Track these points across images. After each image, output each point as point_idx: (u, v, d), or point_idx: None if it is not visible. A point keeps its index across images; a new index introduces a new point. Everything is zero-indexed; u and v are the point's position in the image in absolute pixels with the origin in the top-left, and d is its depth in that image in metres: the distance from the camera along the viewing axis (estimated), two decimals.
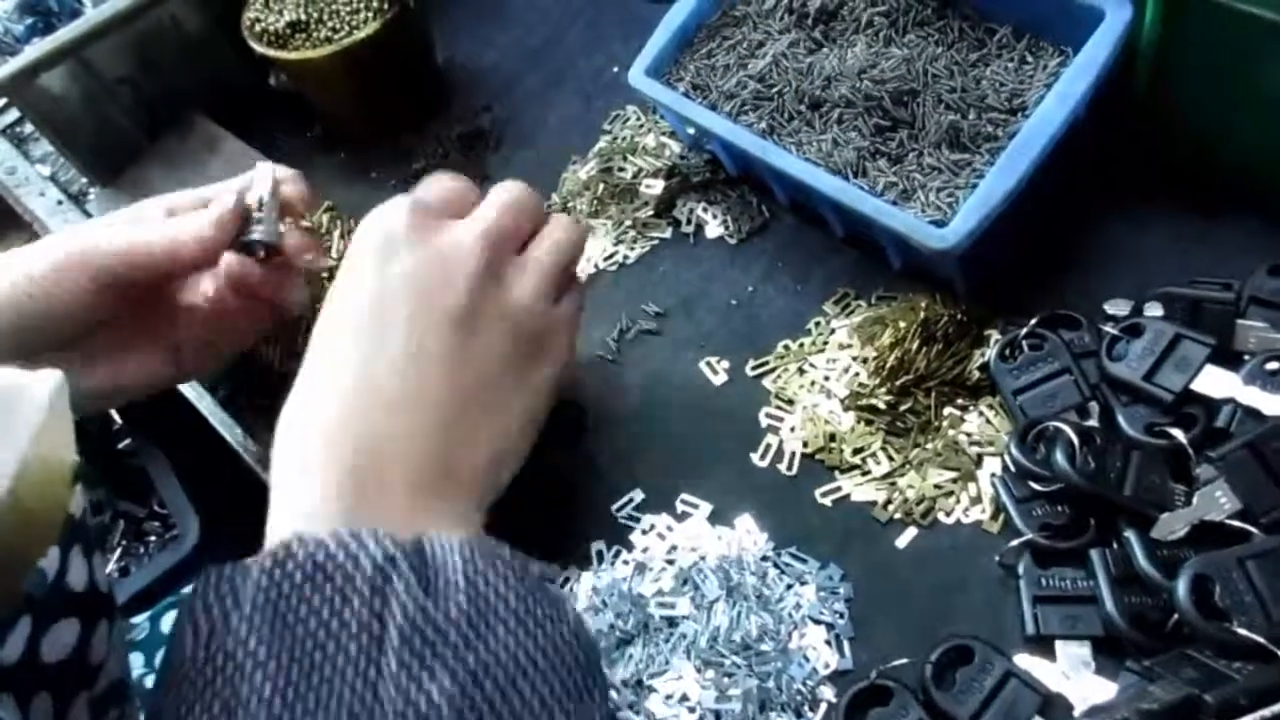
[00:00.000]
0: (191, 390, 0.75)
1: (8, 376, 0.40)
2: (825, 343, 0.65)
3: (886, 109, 0.63)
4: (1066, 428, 0.55)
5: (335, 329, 0.49)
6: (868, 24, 0.67)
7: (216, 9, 0.83)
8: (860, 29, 0.67)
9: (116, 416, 1.23)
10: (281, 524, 0.43)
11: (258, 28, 0.77)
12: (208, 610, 0.38)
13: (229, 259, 0.57)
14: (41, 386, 0.40)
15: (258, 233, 0.57)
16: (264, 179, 0.59)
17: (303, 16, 0.76)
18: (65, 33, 0.76)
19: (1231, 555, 0.49)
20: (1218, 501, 0.51)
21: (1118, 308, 0.61)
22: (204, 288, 0.58)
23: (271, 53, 0.77)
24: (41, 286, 0.55)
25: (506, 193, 0.55)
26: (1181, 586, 0.48)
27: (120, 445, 1.29)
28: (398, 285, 0.49)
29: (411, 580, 0.38)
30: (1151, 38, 0.58)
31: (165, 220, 0.59)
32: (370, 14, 0.76)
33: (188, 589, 0.93)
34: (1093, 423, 0.57)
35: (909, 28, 0.67)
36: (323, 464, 0.45)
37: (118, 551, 1.24)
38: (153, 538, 1.26)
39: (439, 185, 0.56)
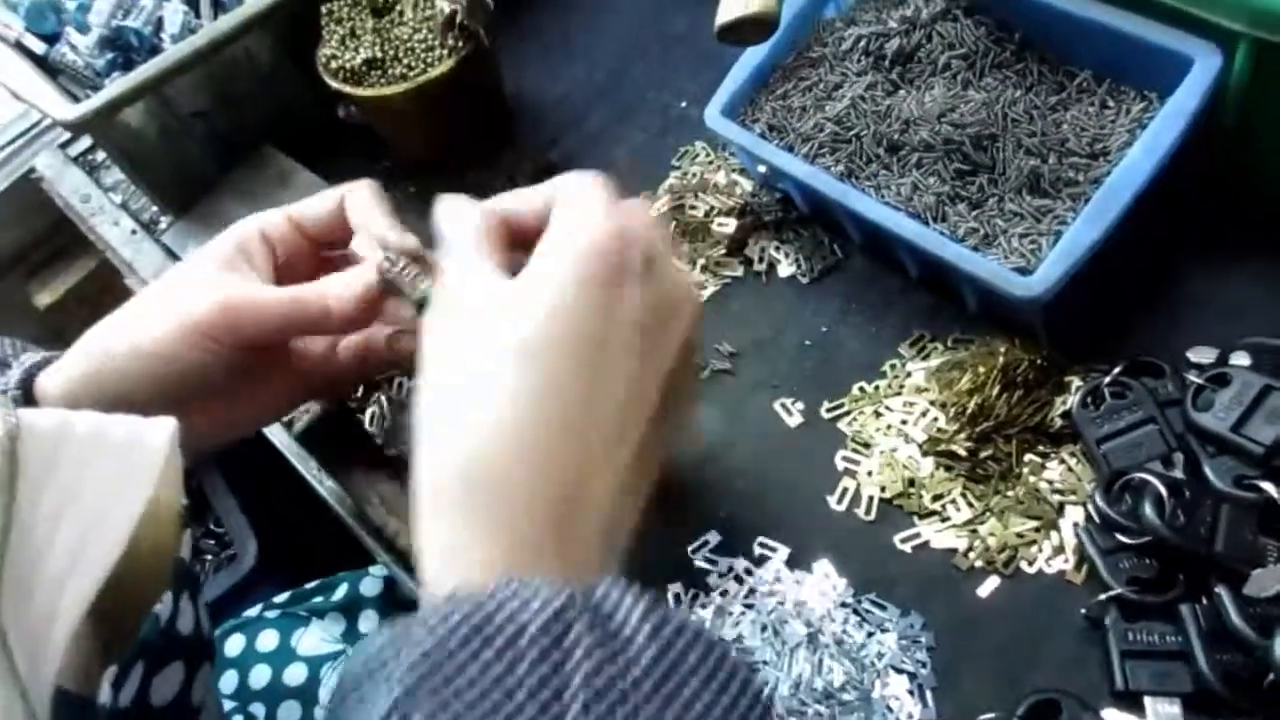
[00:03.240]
0: None
1: (128, 425, 0.41)
2: (901, 386, 0.65)
3: (966, 153, 0.63)
4: (1155, 479, 0.54)
5: (544, 353, 0.42)
6: (945, 67, 0.67)
7: (290, 43, 0.84)
8: (938, 71, 0.67)
9: None
10: (439, 573, 0.40)
11: (333, 64, 0.78)
12: (370, 675, 0.36)
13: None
14: (159, 434, 0.41)
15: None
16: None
17: (378, 54, 0.77)
18: (146, 69, 0.77)
19: None
20: None
21: (1201, 356, 0.61)
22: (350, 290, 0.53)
23: (347, 89, 0.78)
24: (173, 348, 0.53)
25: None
26: (1278, 646, 0.48)
27: None
28: (626, 331, 0.43)
29: (592, 634, 0.35)
30: (1240, 84, 0.58)
31: (313, 285, 0.54)
32: (445, 51, 0.77)
33: (251, 611, 0.93)
34: (1178, 474, 0.57)
35: (987, 70, 0.67)
36: (499, 507, 0.40)
37: None
38: (208, 556, 1.28)
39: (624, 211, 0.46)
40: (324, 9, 0.80)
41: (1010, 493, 0.59)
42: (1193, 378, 0.58)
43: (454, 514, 0.40)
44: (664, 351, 0.44)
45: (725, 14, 0.63)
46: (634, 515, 0.44)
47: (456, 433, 0.41)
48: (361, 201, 0.57)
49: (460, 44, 0.77)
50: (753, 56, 0.71)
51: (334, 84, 0.78)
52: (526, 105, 0.88)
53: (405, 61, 0.77)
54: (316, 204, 0.58)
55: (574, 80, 0.89)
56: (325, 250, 0.60)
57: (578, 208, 0.45)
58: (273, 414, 0.64)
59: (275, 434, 0.75)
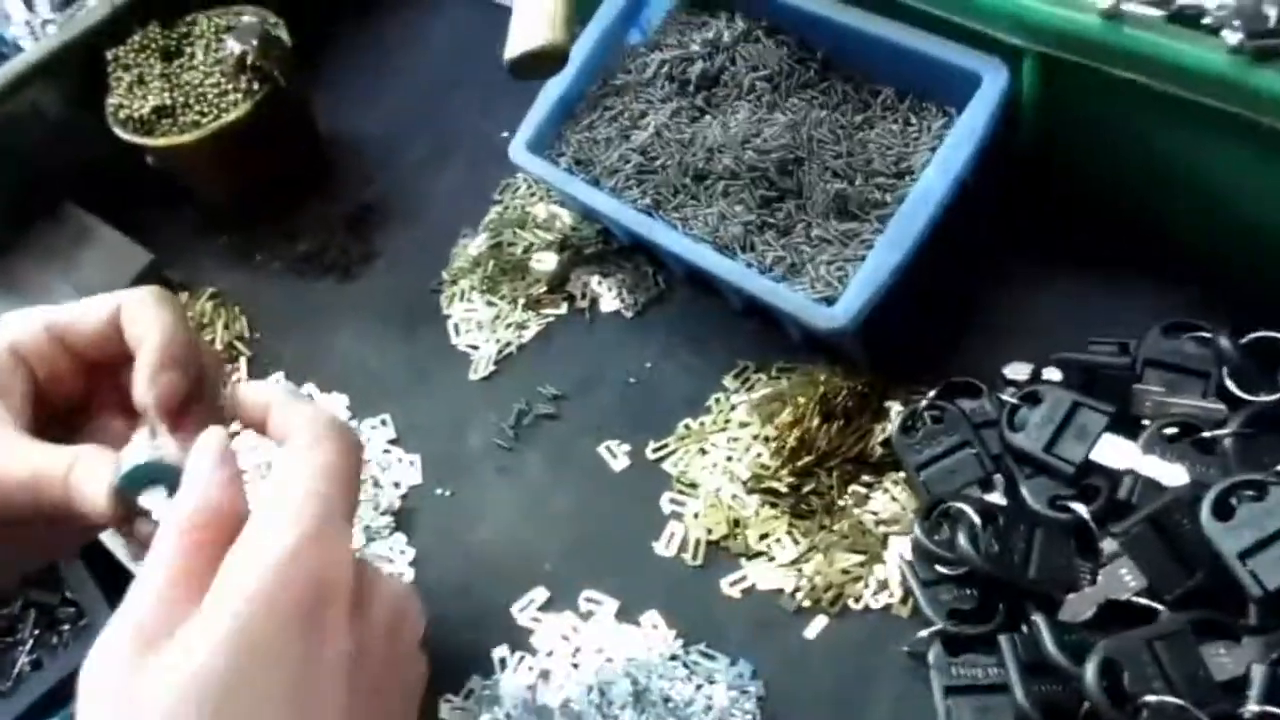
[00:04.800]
0: None
1: None
2: (727, 421, 0.63)
3: (771, 179, 0.62)
4: (967, 507, 0.53)
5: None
6: (750, 89, 0.65)
7: (81, 93, 0.78)
8: (743, 95, 0.66)
9: None
10: None
11: (121, 113, 0.74)
12: None
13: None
14: None
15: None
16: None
17: (167, 101, 0.73)
18: None
19: (1139, 637, 0.48)
20: (1123, 580, 0.50)
21: (1017, 372, 0.60)
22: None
23: (137, 139, 0.73)
24: None
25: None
26: (1089, 672, 0.47)
27: None
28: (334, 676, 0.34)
29: None
30: (1031, 99, 0.57)
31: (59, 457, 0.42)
32: (239, 95, 0.73)
33: None
34: (997, 497, 0.56)
35: (792, 91, 0.65)
36: None
37: (29, 644, 1.19)
38: (66, 626, 1.20)
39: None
40: (109, 55, 0.75)
41: (835, 527, 0.58)
42: (1007, 397, 0.57)
43: None
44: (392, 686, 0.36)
45: (513, 48, 0.60)
46: None
47: None
48: (140, 320, 0.44)
49: (255, 86, 0.73)
50: (556, 86, 0.68)
51: (124, 134, 0.74)
52: (343, 143, 0.85)
53: (197, 108, 0.73)
54: (84, 314, 0.45)
55: (391, 113, 0.85)
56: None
57: (286, 492, 0.36)
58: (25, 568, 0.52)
59: None
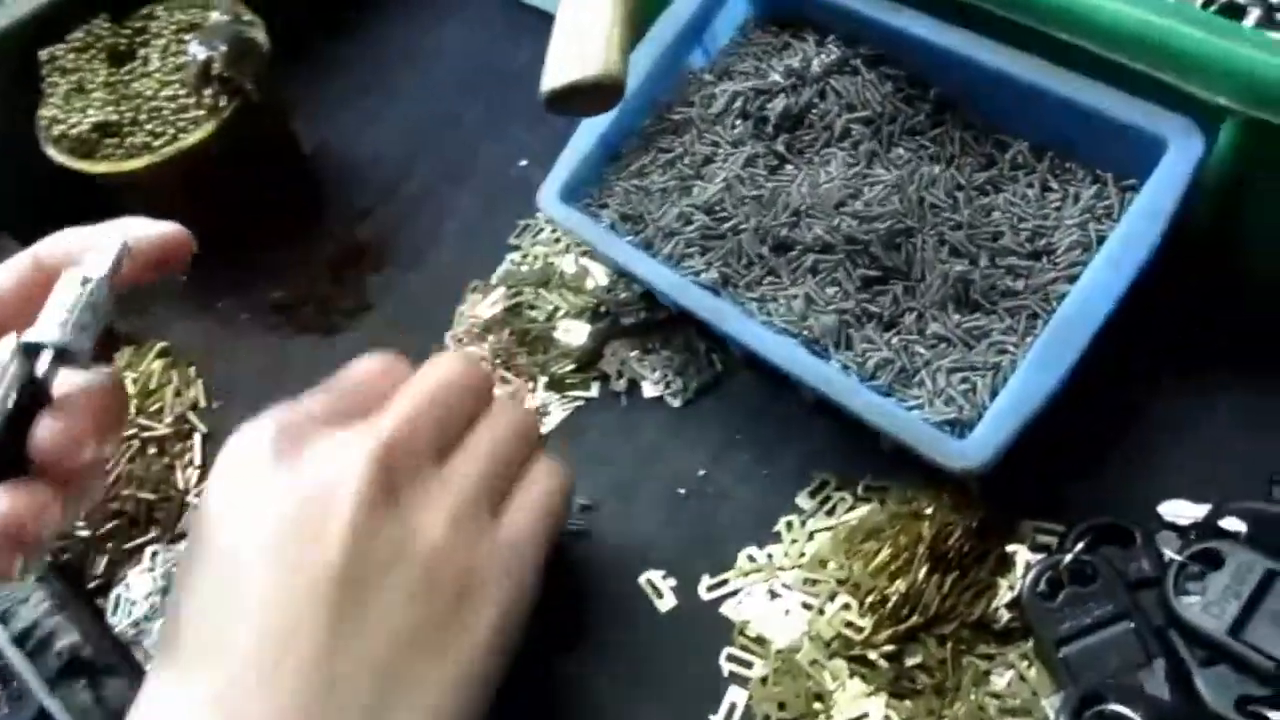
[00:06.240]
0: None
1: None
2: (801, 554, 0.50)
3: (875, 255, 0.49)
4: (1137, 717, 0.41)
5: (183, 610, 0.38)
6: (843, 133, 0.52)
7: (9, 99, 0.65)
8: (834, 139, 0.52)
9: None
10: None
11: (55, 130, 0.60)
12: None
13: None
14: None
15: (51, 329, 0.37)
16: (105, 254, 0.40)
17: (112, 116, 0.59)
18: None
19: None
20: None
21: (1178, 513, 0.47)
22: None
23: (73, 163, 0.59)
24: None
25: (430, 377, 0.44)
26: None
27: None
28: (251, 542, 0.37)
29: None
30: (1222, 174, 0.44)
31: None
32: (202, 111, 0.59)
33: None
34: (1161, 688, 0.43)
35: (896, 138, 0.52)
36: None
37: None
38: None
39: (353, 374, 0.45)
40: (42, 54, 0.62)
41: (947, 713, 0.45)
42: (1172, 553, 0.44)
43: None
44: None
45: (555, 77, 0.46)
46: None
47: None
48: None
49: (221, 102, 0.59)
50: (600, 120, 0.55)
51: (57, 156, 0.60)
52: (331, 170, 0.71)
53: (149, 126, 0.59)
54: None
55: (391, 132, 0.72)
56: None
57: None
58: None
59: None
